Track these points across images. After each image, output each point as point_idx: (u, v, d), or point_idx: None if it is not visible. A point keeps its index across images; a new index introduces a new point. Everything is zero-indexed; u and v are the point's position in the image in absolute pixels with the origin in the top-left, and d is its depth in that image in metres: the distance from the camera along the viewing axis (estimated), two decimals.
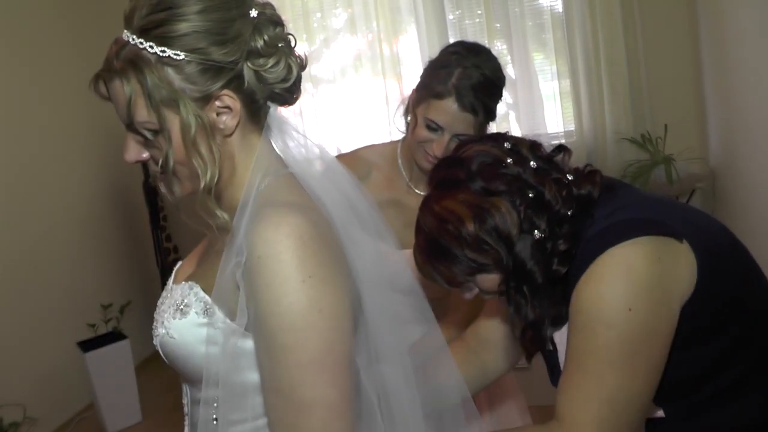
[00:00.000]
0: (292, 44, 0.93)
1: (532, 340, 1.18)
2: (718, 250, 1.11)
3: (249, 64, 0.88)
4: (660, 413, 1.15)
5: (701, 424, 1.13)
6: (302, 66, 0.94)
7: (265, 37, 0.88)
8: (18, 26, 3.56)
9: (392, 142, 1.68)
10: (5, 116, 3.39)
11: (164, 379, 3.73)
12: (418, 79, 1.53)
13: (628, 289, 1.02)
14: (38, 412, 3.31)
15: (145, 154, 0.91)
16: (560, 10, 3.72)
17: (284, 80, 0.91)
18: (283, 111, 0.97)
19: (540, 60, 3.86)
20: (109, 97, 0.89)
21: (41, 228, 3.56)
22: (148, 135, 0.87)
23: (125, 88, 0.85)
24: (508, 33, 3.76)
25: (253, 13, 0.88)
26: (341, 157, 1.62)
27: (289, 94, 0.94)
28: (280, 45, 0.90)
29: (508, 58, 3.77)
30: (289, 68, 0.91)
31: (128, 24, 0.86)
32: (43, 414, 3.37)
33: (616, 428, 1.05)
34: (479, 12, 3.80)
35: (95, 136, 3.99)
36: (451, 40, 3.67)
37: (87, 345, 3.47)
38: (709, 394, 1.11)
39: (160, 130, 0.86)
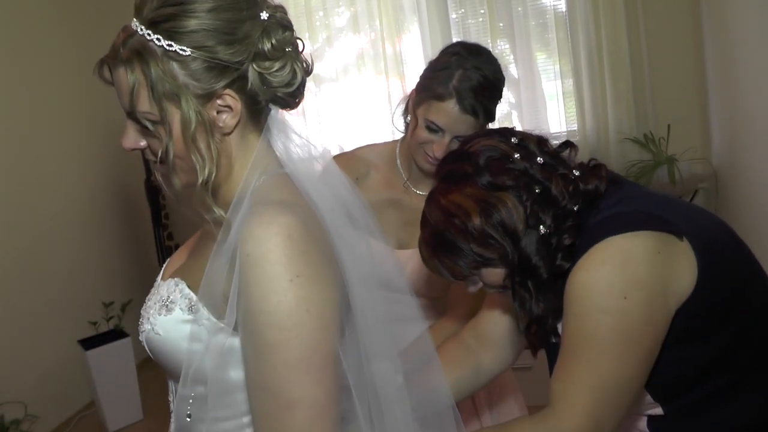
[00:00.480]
0: (300, 48, 0.93)
1: (537, 335, 1.18)
2: (718, 249, 1.10)
3: (254, 65, 0.88)
4: (659, 410, 1.15)
5: (700, 422, 1.13)
6: (307, 71, 0.94)
7: (273, 41, 0.88)
8: (18, 23, 3.55)
9: (391, 142, 1.67)
10: (6, 113, 3.39)
11: (165, 378, 3.73)
12: (418, 80, 1.52)
13: (625, 277, 1.03)
14: (39, 410, 3.31)
15: (143, 143, 0.91)
16: (563, 9, 3.72)
17: (288, 85, 0.91)
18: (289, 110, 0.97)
19: (543, 59, 3.86)
20: (112, 82, 0.89)
21: (42, 226, 3.56)
22: (149, 125, 0.87)
23: (129, 77, 0.85)
24: (511, 32, 3.77)
25: (264, 15, 0.88)
26: (340, 157, 1.62)
27: (291, 99, 0.94)
28: (287, 49, 0.90)
29: (511, 57, 3.77)
30: (294, 73, 0.91)
31: (138, 14, 0.86)
32: (45, 412, 3.37)
33: (606, 414, 1.06)
34: (482, 11, 3.80)
35: (96, 133, 4.00)
36: (454, 39, 3.71)
37: (88, 343, 3.47)
38: (709, 392, 1.11)
39: (160, 122, 0.86)
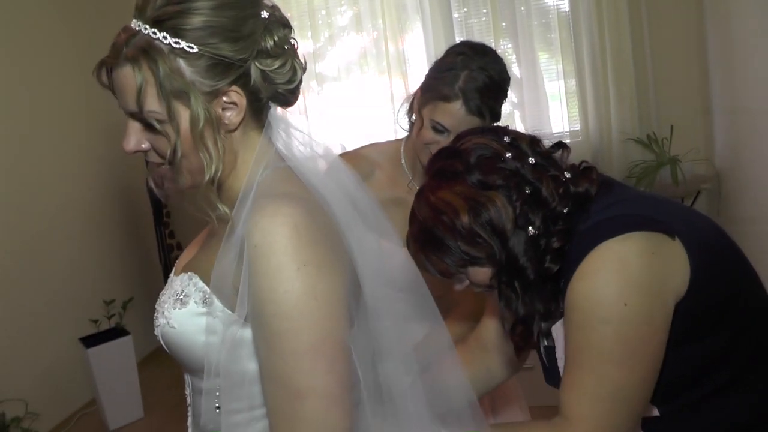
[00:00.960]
0: (296, 47, 0.95)
1: (522, 335, 1.18)
2: (716, 250, 1.10)
3: (257, 63, 0.89)
4: (655, 412, 1.14)
5: (697, 422, 1.12)
6: (304, 69, 0.95)
7: (275, 38, 0.90)
8: (18, 23, 3.56)
9: (395, 141, 1.67)
10: (6, 113, 3.40)
11: (166, 376, 3.74)
12: (424, 80, 1.52)
13: (623, 284, 1.02)
14: (40, 408, 3.32)
15: (145, 144, 0.91)
16: (566, 9, 3.71)
17: (289, 82, 0.93)
18: (289, 108, 0.98)
19: (546, 59, 3.85)
20: (109, 85, 0.89)
21: (44, 224, 3.57)
22: (156, 125, 0.87)
23: (137, 76, 0.85)
24: (514, 32, 3.76)
25: (264, 13, 0.89)
26: (343, 156, 1.61)
27: (291, 96, 0.95)
28: (287, 47, 0.92)
29: (514, 57, 3.76)
30: (294, 70, 0.93)
31: (140, 13, 0.86)
32: (45, 409, 3.38)
33: (619, 421, 1.06)
34: (485, 11, 3.80)
35: (98, 131, 4.00)
36: (457, 39, 3.70)
37: (89, 341, 3.48)
38: (704, 393, 1.10)
39: (168, 121, 0.86)
